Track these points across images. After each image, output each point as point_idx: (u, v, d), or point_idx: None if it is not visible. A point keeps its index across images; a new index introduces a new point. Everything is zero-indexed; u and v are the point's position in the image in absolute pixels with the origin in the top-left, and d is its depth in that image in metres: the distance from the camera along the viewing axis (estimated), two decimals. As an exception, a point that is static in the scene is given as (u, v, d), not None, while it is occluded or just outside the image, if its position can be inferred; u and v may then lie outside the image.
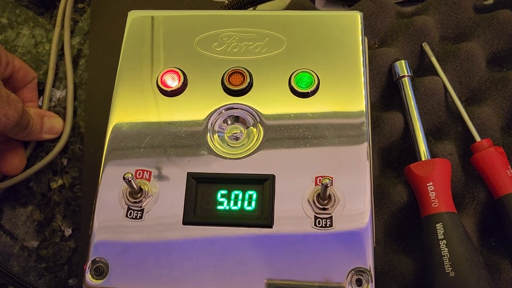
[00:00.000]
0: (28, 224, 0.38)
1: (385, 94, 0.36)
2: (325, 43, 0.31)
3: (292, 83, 0.30)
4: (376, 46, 0.38)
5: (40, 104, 0.41)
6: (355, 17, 0.32)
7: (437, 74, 0.35)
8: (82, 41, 0.43)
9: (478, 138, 0.32)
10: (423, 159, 0.32)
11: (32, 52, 0.43)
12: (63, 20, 0.43)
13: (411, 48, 0.36)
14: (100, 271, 0.27)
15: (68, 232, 0.38)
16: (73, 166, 0.39)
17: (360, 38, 0.31)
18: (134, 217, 0.28)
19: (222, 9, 0.38)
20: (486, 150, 0.32)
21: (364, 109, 0.29)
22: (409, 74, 0.35)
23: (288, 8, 0.39)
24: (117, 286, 0.27)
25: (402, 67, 0.35)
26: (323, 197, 0.27)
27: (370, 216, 0.27)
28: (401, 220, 0.32)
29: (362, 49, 0.31)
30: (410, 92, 0.34)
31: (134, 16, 0.34)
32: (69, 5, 0.43)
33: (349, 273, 0.26)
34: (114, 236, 0.28)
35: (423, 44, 0.36)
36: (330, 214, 0.27)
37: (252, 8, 0.41)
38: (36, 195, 0.39)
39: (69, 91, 0.41)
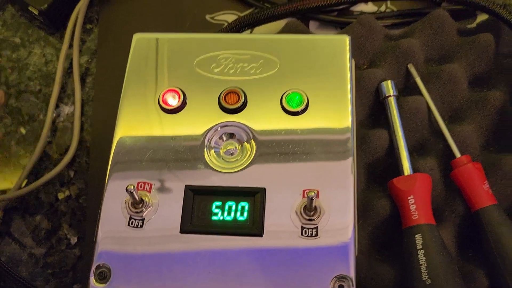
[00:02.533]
0: (36, 233, 0.40)
1: (372, 112, 0.38)
2: (315, 65, 0.34)
3: (283, 102, 0.32)
4: (365, 66, 0.40)
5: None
6: (344, 41, 0.34)
7: (421, 94, 0.37)
8: (89, 60, 0.46)
9: (458, 155, 0.35)
10: (405, 174, 0.34)
11: (43, 70, 0.46)
12: (71, 40, 0.45)
13: (397, 69, 0.39)
14: (103, 276, 0.30)
15: (74, 240, 0.40)
16: (80, 178, 0.42)
17: (348, 60, 0.34)
18: (135, 225, 0.30)
19: (220, 32, 0.40)
20: (464, 166, 0.34)
21: (350, 127, 0.32)
22: (395, 93, 0.37)
23: (283, 30, 0.41)
24: (119, 290, 0.29)
25: (388, 87, 0.37)
26: (309, 209, 0.29)
27: (353, 227, 0.29)
28: (384, 231, 0.34)
29: (350, 70, 0.33)
30: (395, 111, 0.36)
31: (138, 38, 0.36)
32: (78, 25, 0.46)
33: (332, 280, 0.28)
34: (116, 243, 0.30)
35: (408, 65, 0.39)
36: (316, 224, 0.29)
37: (249, 30, 0.44)
38: (44, 205, 0.41)
39: (77, 107, 0.43)
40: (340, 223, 0.29)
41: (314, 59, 0.34)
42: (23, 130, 0.44)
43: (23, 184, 0.42)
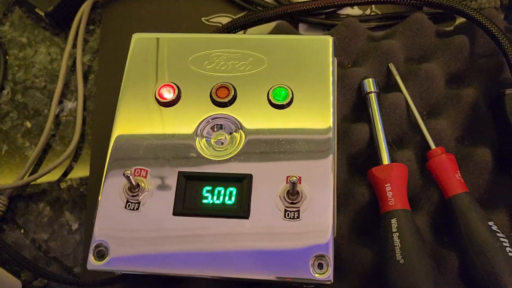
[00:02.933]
0: (39, 219, 0.43)
1: (355, 108, 0.41)
2: (300, 63, 0.36)
3: (270, 97, 0.35)
4: (350, 66, 0.43)
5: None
6: (327, 41, 0.37)
7: (401, 91, 0.40)
8: (92, 59, 0.49)
9: (433, 146, 0.37)
10: (384, 163, 0.37)
11: (48, 68, 0.49)
12: (75, 39, 0.48)
13: (379, 67, 0.41)
14: (101, 254, 0.32)
15: (74, 226, 0.43)
16: (81, 168, 0.44)
17: (331, 58, 0.36)
18: (132, 208, 0.33)
19: (213, 33, 0.43)
20: (439, 156, 0.36)
21: (331, 119, 0.34)
22: (375, 90, 0.40)
23: (272, 32, 0.44)
24: (116, 267, 0.32)
25: (370, 84, 0.40)
26: (292, 193, 0.32)
27: (332, 210, 0.32)
28: (364, 217, 0.37)
29: (332, 69, 0.36)
30: (375, 106, 0.39)
31: (137, 37, 0.39)
32: (82, 26, 0.48)
33: (312, 258, 0.31)
34: (114, 224, 0.33)
35: (389, 64, 0.41)
36: (298, 208, 0.32)
37: (242, 31, 0.47)
38: (47, 193, 0.44)
39: (79, 103, 0.46)
40: (320, 206, 0.32)
41: (299, 58, 0.36)
42: (28, 124, 0.47)
43: (28, 174, 0.44)
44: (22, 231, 0.43)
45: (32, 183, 0.44)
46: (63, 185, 0.44)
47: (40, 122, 0.47)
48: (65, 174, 0.44)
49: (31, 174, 0.44)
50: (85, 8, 0.49)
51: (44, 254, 0.42)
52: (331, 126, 0.34)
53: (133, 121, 0.36)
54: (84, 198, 0.43)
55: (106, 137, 0.36)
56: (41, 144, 0.44)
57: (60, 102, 0.47)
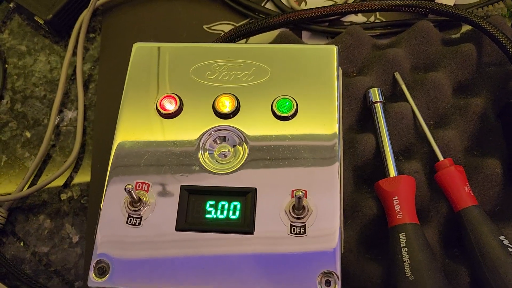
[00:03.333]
0: (39, 232, 0.42)
1: (360, 118, 0.40)
2: (305, 73, 0.36)
3: (274, 108, 0.34)
4: (354, 74, 0.42)
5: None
6: (332, 50, 0.36)
7: (407, 100, 0.39)
8: (92, 67, 0.48)
9: (441, 158, 0.36)
10: (391, 175, 0.36)
11: (48, 77, 0.48)
12: (75, 48, 0.47)
13: (384, 77, 0.41)
14: (102, 271, 0.31)
15: (75, 239, 0.42)
16: (82, 179, 0.44)
17: (335, 68, 0.36)
18: (133, 223, 0.32)
19: (215, 42, 0.42)
20: (447, 168, 0.35)
21: (337, 132, 0.33)
22: (381, 100, 0.39)
23: (275, 40, 0.43)
24: (117, 284, 0.31)
25: (375, 94, 0.39)
26: (297, 208, 0.31)
27: (339, 225, 0.31)
28: (372, 231, 0.36)
29: (337, 79, 0.35)
30: (381, 117, 0.38)
31: (138, 47, 0.38)
32: (82, 34, 0.48)
33: (319, 275, 0.30)
34: (115, 240, 0.32)
35: (395, 73, 0.40)
36: (304, 223, 0.31)
37: (244, 40, 0.46)
38: (47, 205, 0.43)
39: (80, 112, 0.45)
40: (326, 221, 0.31)
41: (303, 68, 0.36)
42: (28, 134, 0.46)
43: (28, 185, 0.43)
44: (22, 244, 0.42)
45: (32, 194, 0.43)
46: (63, 196, 0.43)
47: (40, 132, 0.46)
48: (66, 185, 0.44)
49: (31, 185, 0.44)
50: (85, 16, 0.48)
51: (45, 268, 0.41)
52: (337, 138, 0.33)
53: (134, 133, 0.35)
54: (85, 210, 0.43)
55: (107, 147, 0.35)
56: (41, 155, 0.43)
57: (60, 111, 0.46)
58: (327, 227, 0.31)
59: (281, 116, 0.34)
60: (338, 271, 0.30)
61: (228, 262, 0.30)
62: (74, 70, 0.47)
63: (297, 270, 0.30)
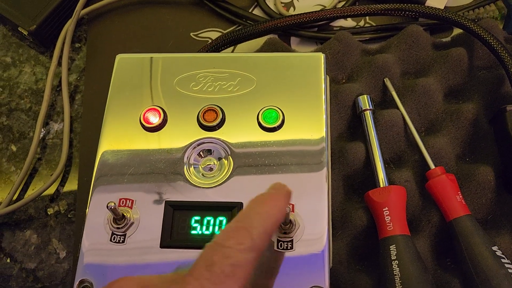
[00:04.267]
0: (26, 247, 0.42)
1: (350, 126, 0.39)
2: (291, 82, 0.35)
3: (260, 119, 0.33)
4: (344, 81, 0.41)
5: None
6: (319, 58, 0.36)
7: (397, 107, 0.38)
8: (78, 78, 0.47)
9: (432, 166, 0.36)
10: (381, 185, 0.35)
11: (33, 88, 0.47)
12: (60, 58, 0.47)
13: (374, 83, 0.40)
14: (86, 291, 0.31)
15: (62, 254, 0.41)
16: (68, 193, 0.43)
17: (323, 77, 0.35)
18: (117, 241, 0.31)
19: (202, 50, 0.41)
20: (438, 177, 0.35)
21: (324, 142, 0.33)
22: (371, 107, 0.38)
23: (262, 47, 0.43)
24: (102, 305, 0.30)
25: (365, 101, 0.38)
26: (284, 222, 0.30)
27: (327, 239, 0.30)
28: (362, 242, 0.35)
29: (324, 87, 0.35)
30: (371, 125, 0.37)
31: (121, 58, 0.38)
32: (67, 44, 0.47)
33: (307, 291, 0.29)
34: (99, 259, 0.31)
35: (384, 79, 0.40)
36: (291, 238, 0.30)
37: (232, 48, 0.45)
38: (34, 220, 0.42)
39: (66, 124, 0.45)
40: (314, 235, 0.30)
41: (290, 76, 0.35)
42: (14, 148, 0.45)
43: (14, 199, 0.43)
44: (8, 260, 0.41)
45: (18, 209, 0.42)
46: (50, 211, 0.43)
47: (25, 145, 0.45)
48: (52, 199, 0.43)
49: (17, 199, 0.43)
50: (69, 26, 0.47)
51: (32, 284, 0.40)
52: (325, 149, 0.32)
53: (117, 146, 0.34)
54: (72, 224, 0.42)
55: (94, 160, 0.34)
56: (26, 169, 0.43)
57: (46, 124, 0.46)
58: (315, 241, 0.30)
59: (267, 127, 0.33)
60: (327, 286, 0.29)
61: (214, 280, 0.30)
62: (60, 81, 0.47)
63: (285, 285, 0.29)
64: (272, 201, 0.25)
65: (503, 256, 0.31)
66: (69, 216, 0.42)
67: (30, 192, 0.43)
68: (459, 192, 0.34)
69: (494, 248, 0.32)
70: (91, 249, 0.31)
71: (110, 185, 0.33)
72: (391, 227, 0.33)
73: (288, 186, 0.26)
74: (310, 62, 0.35)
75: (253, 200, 0.25)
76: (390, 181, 0.36)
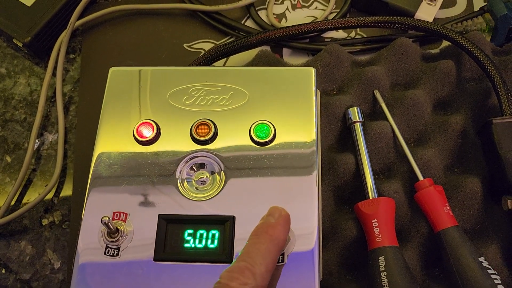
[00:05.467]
0: (21, 258, 0.42)
1: (341, 137, 0.40)
2: (283, 95, 0.36)
3: (252, 133, 0.34)
4: (334, 93, 0.42)
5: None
6: (310, 72, 0.36)
7: (387, 119, 0.39)
8: (72, 89, 0.48)
9: (420, 177, 0.36)
10: (370, 197, 0.36)
11: (28, 99, 0.48)
12: (54, 69, 0.47)
13: (364, 95, 0.41)
14: (81, 304, 0.31)
15: (57, 265, 0.41)
16: (63, 204, 0.43)
17: (313, 91, 0.36)
18: (111, 254, 0.32)
19: (194, 63, 0.42)
20: (426, 188, 0.35)
21: (315, 155, 0.33)
22: (361, 119, 0.39)
23: (254, 60, 0.43)
24: (96, 318, 0.31)
25: (355, 113, 0.39)
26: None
27: (317, 252, 0.31)
28: (353, 253, 0.36)
29: (315, 101, 0.35)
30: (361, 137, 0.38)
31: (114, 71, 0.38)
32: (61, 56, 0.47)
33: (297, 303, 0.30)
34: (93, 272, 0.32)
35: (374, 91, 0.40)
36: (283, 251, 0.31)
37: (225, 60, 0.46)
38: (29, 231, 0.43)
39: (60, 135, 0.45)
40: (304, 248, 0.31)
41: (281, 90, 0.36)
42: (8, 159, 0.46)
43: (8, 210, 0.43)
44: (3, 271, 0.42)
45: (13, 220, 0.43)
46: (44, 222, 0.43)
47: (20, 156, 0.46)
48: (47, 210, 0.43)
49: (12, 210, 0.43)
50: (64, 37, 0.48)
51: (27, 295, 0.41)
52: (315, 161, 0.33)
53: (111, 160, 0.35)
54: (67, 235, 0.42)
55: (88, 171, 0.35)
56: (20, 179, 0.43)
57: (41, 134, 0.46)
58: (305, 253, 0.31)
59: (259, 141, 0.34)
60: (318, 298, 0.30)
61: (207, 293, 0.30)
62: (55, 92, 0.47)
63: (275, 298, 0.30)
64: (271, 235, 0.26)
65: (489, 267, 0.32)
66: (63, 226, 0.43)
67: (25, 203, 0.43)
68: (446, 204, 0.35)
69: (481, 259, 0.32)
70: (85, 262, 0.32)
71: (103, 198, 0.33)
72: (380, 239, 0.33)
73: (285, 210, 0.28)
74: (301, 76, 0.36)
75: (253, 234, 0.27)
76: (380, 192, 0.36)
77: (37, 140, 0.45)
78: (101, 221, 0.31)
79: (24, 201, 0.44)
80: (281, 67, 0.39)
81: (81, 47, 0.49)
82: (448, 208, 0.35)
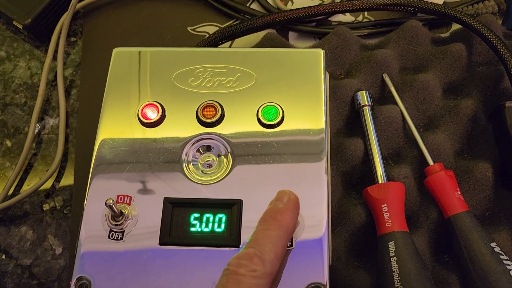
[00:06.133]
0: (22, 244, 0.41)
1: (349, 121, 0.39)
2: (291, 78, 0.35)
3: (259, 115, 0.33)
4: (342, 76, 0.41)
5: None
6: (318, 54, 0.35)
7: (396, 103, 0.38)
8: (74, 72, 0.47)
9: (431, 162, 0.36)
10: (379, 182, 0.35)
11: (28, 83, 0.47)
12: (55, 52, 0.46)
13: (372, 78, 0.40)
14: (84, 288, 0.30)
15: (58, 250, 0.41)
16: (64, 189, 0.42)
17: (322, 73, 0.35)
18: (115, 238, 0.31)
19: (198, 45, 0.41)
20: (437, 173, 0.35)
21: (324, 138, 0.33)
22: (369, 103, 0.38)
23: (260, 42, 0.42)
24: (100, 302, 0.30)
25: (363, 97, 0.38)
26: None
27: (327, 236, 0.30)
28: (361, 238, 0.35)
29: (324, 83, 0.34)
30: (369, 121, 0.37)
31: (117, 52, 0.37)
32: (62, 39, 0.46)
33: (307, 287, 0.29)
34: (97, 256, 0.31)
35: (383, 75, 0.39)
36: (291, 236, 0.30)
37: (229, 42, 0.45)
38: (30, 216, 0.42)
39: (61, 119, 0.44)
40: (314, 232, 0.30)
41: (289, 72, 0.35)
42: (8, 143, 0.45)
43: (9, 195, 0.42)
44: (4, 256, 0.41)
45: (13, 205, 0.42)
46: (45, 207, 0.42)
47: (21, 140, 0.45)
48: (48, 195, 0.42)
49: (12, 195, 0.42)
50: (65, 19, 0.46)
51: (28, 280, 0.40)
52: (324, 146, 0.32)
53: (115, 143, 0.34)
54: (68, 221, 0.41)
55: (91, 155, 0.34)
56: (20, 164, 0.42)
57: (42, 119, 0.45)
58: (314, 238, 0.30)
59: (266, 124, 0.33)
60: (327, 282, 0.29)
61: (214, 277, 0.30)
62: (55, 76, 0.46)
63: (284, 282, 0.29)
64: (280, 221, 0.26)
65: (501, 252, 0.31)
66: (65, 212, 0.42)
67: (26, 188, 0.42)
68: (457, 189, 0.34)
69: (493, 244, 0.32)
70: (89, 246, 0.31)
71: (107, 181, 0.33)
72: (389, 224, 0.33)
73: (293, 193, 0.27)
74: (310, 58, 0.35)
75: (262, 220, 0.26)
76: (389, 177, 0.36)
77: (37, 124, 0.44)
78: (106, 203, 0.30)
79: (24, 186, 0.43)
80: (289, 49, 0.38)
81: (82, 30, 0.48)
82: (459, 193, 0.34)
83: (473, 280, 0.31)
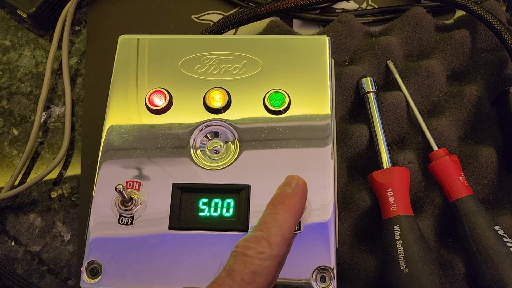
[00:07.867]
0: (30, 231, 0.42)
1: (353, 108, 0.40)
2: (297, 65, 0.35)
3: (266, 102, 0.34)
4: (347, 63, 0.42)
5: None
6: (324, 41, 0.35)
7: (400, 89, 0.39)
8: (79, 61, 0.47)
9: (435, 148, 0.36)
10: (384, 167, 0.35)
11: (33, 72, 0.47)
12: (60, 41, 0.46)
13: (377, 65, 0.40)
14: (95, 272, 0.31)
15: (67, 237, 0.41)
16: (71, 177, 0.43)
17: (328, 60, 0.35)
18: (125, 223, 0.32)
19: (203, 33, 0.41)
20: (441, 158, 0.35)
21: (330, 124, 0.33)
22: (374, 90, 0.38)
23: (265, 30, 0.42)
24: (110, 285, 0.31)
25: (368, 84, 0.38)
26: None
27: (333, 220, 0.31)
28: (366, 223, 0.36)
29: (329, 70, 0.35)
30: (374, 107, 0.38)
31: (124, 39, 0.37)
32: (67, 27, 0.46)
33: (314, 271, 0.29)
34: (107, 241, 0.31)
35: (388, 61, 0.40)
36: (299, 219, 0.31)
37: (234, 30, 0.45)
38: (38, 204, 0.42)
39: (67, 108, 0.44)
40: (321, 216, 0.31)
41: (295, 59, 0.35)
42: (15, 131, 0.45)
43: (16, 183, 0.43)
44: (13, 243, 0.41)
45: (22, 193, 0.42)
46: (53, 194, 0.43)
47: (27, 129, 0.45)
48: (56, 183, 0.43)
49: (20, 183, 0.43)
50: (69, 8, 0.47)
51: (37, 267, 0.41)
52: (330, 132, 0.32)
53: (123, 130, 0.34)
54: (76, 208, 0.42)
55: (97, 143, 0.34)
56: (27, 152, 0.43)
57: (48, 107, 0.45)
58: (321, 223, 0.30)
59: (273, 110, 0.33)
60: (334, 266, 0.30)
61: (223, 261, 0.30)
62: (60, 65, 0.46)
63: (291, 267, 0.30)
64: (288, 205, 0.26)
65: (505, 235, 0.32)
66: (72, 199, 0.42)
67: (33, 176, 0.43)
68: (462, 173, 0.35)
69: (496, 227, 0.32)
70: (99, 231, 0.31)
71: (116, 167, 0.33)
72: (394, 208, 0.33)
73: (302, 178, 0.27)
74: (315, 45, 0.35)
75: (270, 204, 0.27)
76: (393, 163, 0.36)
77: (43, 113, 0.45)
78: (116, 188, 0.30)
79: (32, 174, 0.43)
80: (294, 36, 0.38)
81: (87, 18, 0.48)
82: (463, 177, 0.35)
83: (478, 262, 0.32)
